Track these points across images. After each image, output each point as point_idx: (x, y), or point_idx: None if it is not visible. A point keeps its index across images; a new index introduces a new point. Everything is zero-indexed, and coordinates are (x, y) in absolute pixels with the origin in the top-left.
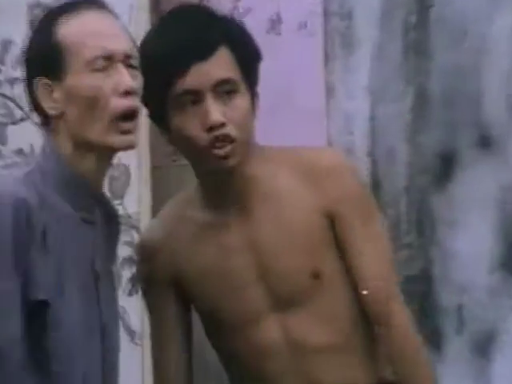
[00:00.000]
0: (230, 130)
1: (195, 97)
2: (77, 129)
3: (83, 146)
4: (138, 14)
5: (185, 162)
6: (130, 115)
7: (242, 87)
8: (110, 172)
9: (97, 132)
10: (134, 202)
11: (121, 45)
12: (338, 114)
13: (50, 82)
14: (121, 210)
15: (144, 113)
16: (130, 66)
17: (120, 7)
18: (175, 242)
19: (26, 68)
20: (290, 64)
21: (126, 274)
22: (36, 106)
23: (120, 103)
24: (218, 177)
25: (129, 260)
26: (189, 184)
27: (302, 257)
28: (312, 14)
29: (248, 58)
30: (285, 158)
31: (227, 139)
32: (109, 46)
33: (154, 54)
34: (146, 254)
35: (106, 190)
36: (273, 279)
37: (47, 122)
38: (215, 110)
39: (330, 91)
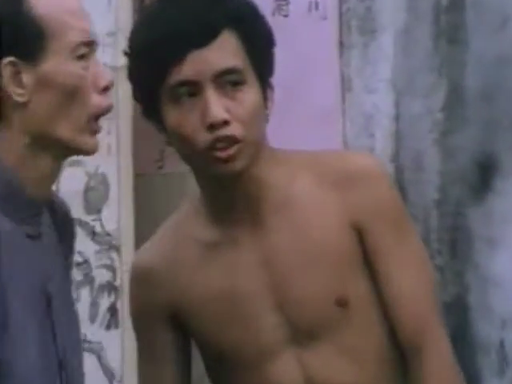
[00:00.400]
0: (235, 128)
1: (193, 89)
2: (43, 122)
3: (43, 143)
4: None
5: (173, 168)
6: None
7: (251, 78)
8: (85, 182)
9: (70, 129)
10: (113, 217)
11: (93, 29)
12: (356, 111)
13: (18, 63)
14: (98, 228)
15: (127, 113)
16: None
17: None
18: (174, 265)
19: None
20: (298, 52)
21: (104, 303)
22: None
23: (102, 101)
24: (223, 183)
25: (107, 286)
26: (177, 195)
27: (326, 279)
28: None
29: (259, 43)
30: (303, 162)
31: (231, 140)
32: (90, 31)
33: (146, 40)
34: (139, 280)
35: (80, 203)
36: (290, 306)
37: None
38: (216, 105)
39: (346, 85)
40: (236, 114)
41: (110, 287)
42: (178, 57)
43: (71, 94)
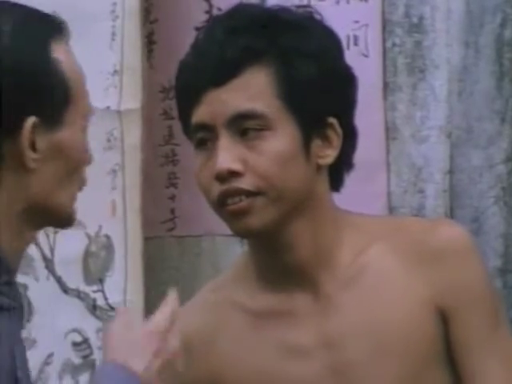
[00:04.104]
0: (248, 181)
1: (210, 134)
2: (45, 191)
3: (36, 210)
4: (126, 25)
5: (186, 231)
6: None
7: (282, 123)
8: (85, 246)
9: (69, 199)
10: (118, 287)
11: None
12: (403, 164)
13: (37, 125)
14: (100, 300)
15: (134, 164)
16: None
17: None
18: (215, 334)
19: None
20: None
21: None
22: None
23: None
24: (267, 245)
25: None
26: (192, 263)
27: (398, 369)
28: (365, 26)
29: (300, 80)
30: (380, 229)
31: (240, 193)
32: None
33: (177, 76)
34: None
35: (78, 271)
36: None
37: None
38: (224, 153)
39: (391, 133)
40: (253, 164)
41: None
42: (194, 97)
43: (78, 166)
